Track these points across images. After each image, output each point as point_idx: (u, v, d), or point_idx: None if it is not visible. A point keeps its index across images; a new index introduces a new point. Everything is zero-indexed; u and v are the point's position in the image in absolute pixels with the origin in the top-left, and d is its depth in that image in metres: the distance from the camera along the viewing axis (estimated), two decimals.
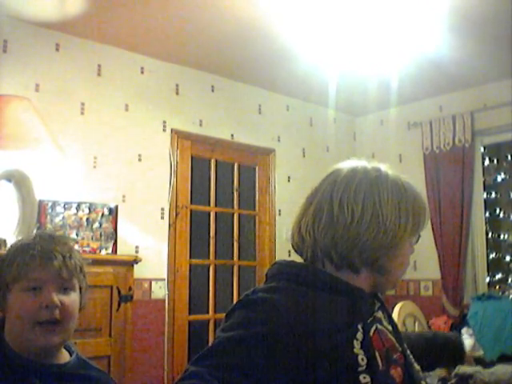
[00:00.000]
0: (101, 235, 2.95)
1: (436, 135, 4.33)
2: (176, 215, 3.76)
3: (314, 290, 1.04)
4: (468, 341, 1.51)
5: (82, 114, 3.39)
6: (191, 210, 3.88)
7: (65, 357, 1.32)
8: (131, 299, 2.85)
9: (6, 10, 3.05)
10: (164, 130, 3.76)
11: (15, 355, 1.25)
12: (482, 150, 4.30)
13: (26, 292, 1.24)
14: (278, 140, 4.39)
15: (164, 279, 3.63)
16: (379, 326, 1.07)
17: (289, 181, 4.37)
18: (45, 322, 1.23)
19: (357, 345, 0.98)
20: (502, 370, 2.85)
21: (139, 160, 3.61)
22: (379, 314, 1.11)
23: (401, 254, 1.09)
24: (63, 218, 2.87)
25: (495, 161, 4.35)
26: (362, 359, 0.97)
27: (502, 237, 4.30)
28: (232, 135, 4.12)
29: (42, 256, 1.25)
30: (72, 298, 1.28)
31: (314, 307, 1.01)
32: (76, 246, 2.79)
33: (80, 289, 1.32)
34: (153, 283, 3.56)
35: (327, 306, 1.02)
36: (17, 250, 1.29)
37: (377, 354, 1.00)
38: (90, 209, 2.95)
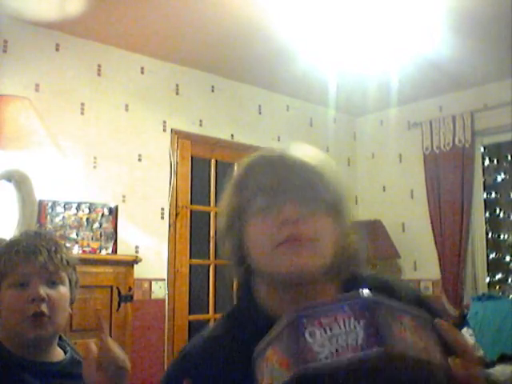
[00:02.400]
0: (101, 235, 2.95)
1: (436, 135, 4.33)
2: (176, 215, 3.76)
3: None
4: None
5: (82, 114, 3.39)
6: (191, 210, 3.88)
7: (59, 355, 1.32)
8: (131, 299, 2.85)
9: (5, 10, 3.05)
10: (164, 130, 3.76)
11: (8, 353, 1.25)
12: (482, 150, 4.30)
13: (13, 288, 1.25)
14: (278, 140, 4.39)
15: (164, 279, 3.63)
16: None
17: None
18: (32, 316, 1.23)
19: None
20: (500, 370, 2.85)
21: (139, 160, 3.61)
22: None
23: (249, 236, 0.96)
24: (63, 217, 2.87)
25: (495, 161, 4.35)
26: None
27: (501, 237, 4.30)
28: (232, 135, 4.12)
29: (26, 251, 1.27)
30: (60, 292, 1.28)
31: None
32: (76, 246, 2.82)
33: (70, 282, 1.32)
34: (153, 283, 3.56)
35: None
36: (3, 248, 1.31)
37: None
38: (90, 209, 2.95)
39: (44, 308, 1.24)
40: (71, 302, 1.33)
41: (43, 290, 1.24)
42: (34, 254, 1.26)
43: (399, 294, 0.97)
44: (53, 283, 1.27)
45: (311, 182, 0.93)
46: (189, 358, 0.97)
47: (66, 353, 1.34)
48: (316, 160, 0.98)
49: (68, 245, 2.60)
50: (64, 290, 1.29)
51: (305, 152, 0.99)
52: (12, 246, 1.29)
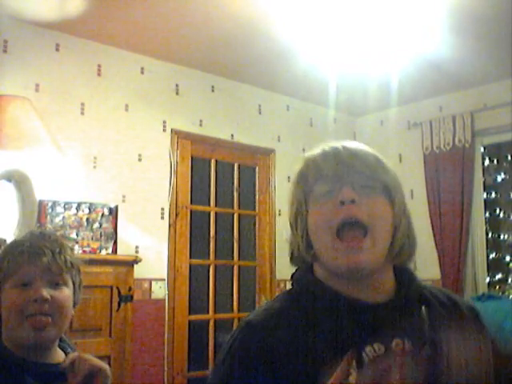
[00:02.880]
0: (101, 235, 2.95)
1: (436, 135, 4.33)
2: (176, 215, 3.76)
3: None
4: None
5: (82, 114, 3.39)
6: (191, 210, 3.88)
7: (59, 356, 1.32)
8: (131, 299, 2.85)
9: (5, 10, 3.05)
10: (164, 130, 3.76)
11: (9, 352, 1.25)
12: (482, 150, 4.30)
13: (16, 288, 1.25)
14: (278, 140, 4.39)
15: (164, 279, 3.63)
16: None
17: (289, 181, 4.36)
18: (33, 315, 1.23)
19: None
20: None
21: (139, 160, 3.61)
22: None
23: (311, 221, 1.01)
24: (63, 217, 2.87)
25: (495, 161, 4.35)
26: None
27: (502, 237, 4.30)
28: (232, 135, 4.12)
29: (30, 252, 1.26)
30: (63, 293, 1.28)
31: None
32: (76, 246, 2.82)
33: (73, 284, 1.32)
34: (153, 283, 3.56)
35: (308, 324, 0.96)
36: (7, 248, 1.31)
37: None
38: (90, 209, 2.95)
39: (46, 308, 1.24)
40: (74, 305, 1.33)
41: (46, 292, 1.24)
42: (38, 255, 1.26)
43: (462, 309, 1.06)
44: (56, 284, 1.28)
45: (370, 165, 0.99)
46: (252, 326, 0.97)
47: (66, 354, 1.34)
48: (370, 149, 1.04)
49: (70, 245, 2.61)
50: (67, 291, 1.29)
51: (358, 145, 1.05)
52: (16, 246, 1.29)
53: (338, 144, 1.03)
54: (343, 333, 0.93)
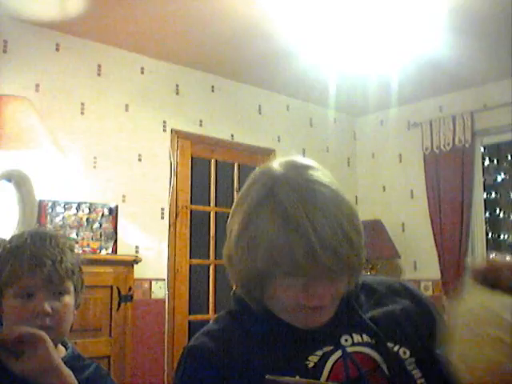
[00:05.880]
0: (101, 235, 2.95)
1: (436, 135, 4.33)
2: (176, 215, 3.76)
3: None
4: None
5: (82, 113, 3.39)
6: (191, 210, 3.88)
7: (61, 352, 1.32)
8: (131, 299, 2.85)
9: (6, 10, 3.05)
10: (164, 130, 3.76)
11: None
12: (482, 150, 4.30)
13: (18, 298, 1.25)
14: (278, 140, 4.39)
15: (164, 279, 3.63)
16: (348, 350, 0.95)
17: None
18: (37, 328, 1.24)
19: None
20: None
21: (139, 160, 3.61)
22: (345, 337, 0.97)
23: (270, 289, 0.98)
24: (63, 217, 2.87)
25: (495, 161, 4.35)
26: None
27: (502, 237, 4.30)
28: (232, 135, 4.12)
29: (31, 262, 1.24)
30: (65, 302, 1.28)
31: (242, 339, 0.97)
32: (76, 246, 2.81)
33: (75, 288, 1.32)
34: (153, 283, 3.56)
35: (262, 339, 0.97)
36: (7, 254, 1.28)
37: None
38: (90, 209, 2.95)
39: (48, 322, 1.24)
40: (76, 307, 1.33)
41: (48, 304, 1.24)
42: (39, 265, 1.24)
43: (397, 290, 1.07)
44: (59, 293, 1.27)
45: (342, 256, 0.89)
46: (196, 352, 0.97)
47: (67, 349, 1.35)
48: (345, 205, 0.94)
49: (68, 244, 2.60)
50: (69, 299, 1.29)
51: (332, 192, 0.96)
52: (16, 254, 1.26)
53: (308, 221, 0.88)
54: (286, 352, 0.93)
